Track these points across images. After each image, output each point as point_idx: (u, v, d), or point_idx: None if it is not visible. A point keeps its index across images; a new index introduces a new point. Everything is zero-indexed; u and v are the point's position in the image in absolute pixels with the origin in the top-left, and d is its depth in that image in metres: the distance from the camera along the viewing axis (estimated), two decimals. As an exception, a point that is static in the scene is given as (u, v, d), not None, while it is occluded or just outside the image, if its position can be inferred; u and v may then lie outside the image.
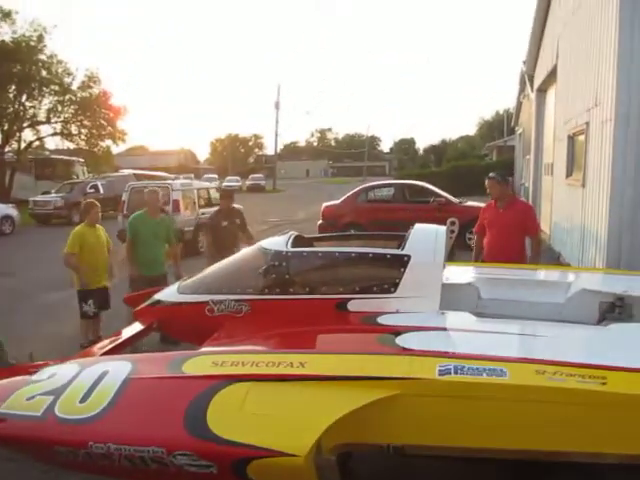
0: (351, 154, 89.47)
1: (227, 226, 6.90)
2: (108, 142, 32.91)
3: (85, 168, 30.07)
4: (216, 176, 54.31)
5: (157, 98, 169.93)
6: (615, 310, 3.87)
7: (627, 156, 6.11)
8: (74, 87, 30.78)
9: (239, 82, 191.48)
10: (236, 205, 8.08)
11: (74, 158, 30.27)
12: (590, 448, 2.56)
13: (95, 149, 31.77)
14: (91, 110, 30.73)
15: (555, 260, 9.71)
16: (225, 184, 44.45)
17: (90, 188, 21.03)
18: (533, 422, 2.56)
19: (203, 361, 2.96)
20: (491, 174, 5.65)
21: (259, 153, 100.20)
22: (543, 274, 4.98)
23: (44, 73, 29.23)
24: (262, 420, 2.53)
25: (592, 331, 3.45)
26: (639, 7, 5.99)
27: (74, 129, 31.43)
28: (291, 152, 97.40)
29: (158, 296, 4.29)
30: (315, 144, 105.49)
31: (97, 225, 6.07)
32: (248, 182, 48.47)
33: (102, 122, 31.65)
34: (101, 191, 20.75)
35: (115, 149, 36.48)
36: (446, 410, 2.62)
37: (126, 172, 24.33)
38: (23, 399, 2.82)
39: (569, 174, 9.41)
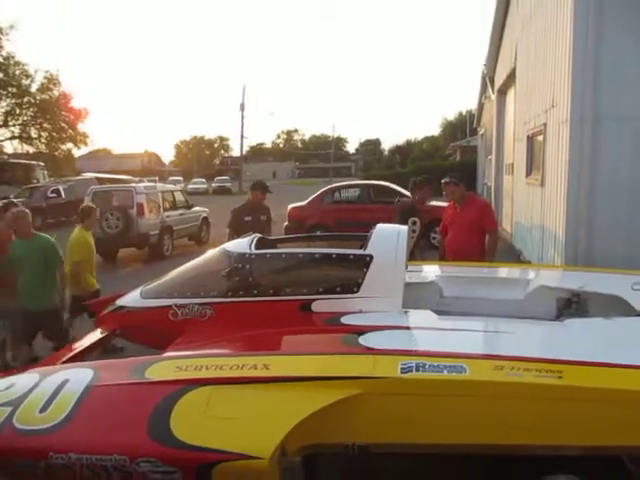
0: (317, 155, 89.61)
1: (250, 222, 6.39)
2: (69, 145, 32.34)
3: (46, 172, 29.30)
4: (181, 178, 53.77)
5: (120, 100, 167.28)
6: (572, 306, 4.00)
7: (583, 156, 6.29)
8: (33, 89, 30.13)
9: (203, 83, 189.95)
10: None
11: (34, 162, 29.49)
12: (550, 441, 2.62)
13: (56, 152, 31.11)
14: (51, 113, 30.11)
15: (516, 258, 9.92)
16: (190, 186, 44.01)
17: (51, 192, 20.45)
18: (493, 417, 2.62)
19: (166, 366, 2.94)
20: (446, 179, 5.69)
21: (225, 155, 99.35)
22: (503, 272, 5.09)
23: (0, 75, 28.47)
24: (226, 424, 2.53)
25: (549, 326, 3.55)
26: (593, 10, 6.18)
27: (33, 132, 30.82)
28: (257, 154, 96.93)
29: (120, 302, 4.22)
30: (281, 145, 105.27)
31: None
32: (214, 184, 48.01)
33: (63, 125, 31.05)
34: (63, 195, 20.27)
35: (77, 152, 35.91)
36: (409, 407, 2.65)
37: (88, 176, 23.79)
38: None
39: (529, 173, 9.63)
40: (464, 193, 5.65)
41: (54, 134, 30.85)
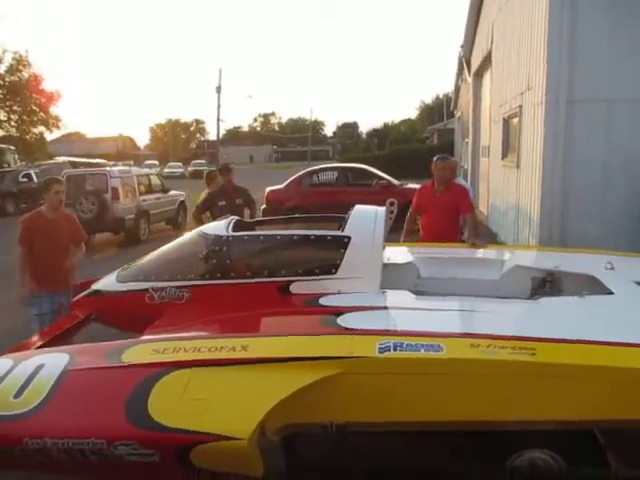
0: (295, 138, 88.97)
1: (225, 206, 6.30)
2: (41, 128, 31.65)
3: (16, 156, 28.62)
4: (157, 162, 53.04)
5: (93, 82, 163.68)
6: (546, 285, 4.07)
7: (557, 138, 6.36)
8: (1, 71, 29.34)
9: (179, 65, 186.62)
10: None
11: (4, 145, 28.74)
12: (525, 416, 2.67)
13: (27, 136, 30.40)
14: (21, 95, 29.37)
15: (492, 240, 10.01)
16: (167, 170, 43.47)
17: (23, 177, 19.96)
18: (470, 394, 2.66)
19: (143, 349, 2.92)
20: (442, 155, 5.56)
21: (201, 139, 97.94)
22: (479, 252, 5.13)
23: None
24: (204, 405, 2.52)
25: (524, 305, 3.61)
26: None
27: (3, 115, 30.04)
28: (234, 137, 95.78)
29: (96, 286, 4.17)
30: (258, 129, 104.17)
31: None
32: (191, 168, 47.43)
33: (34, 108, 30.34)
34: (35, 180, 19.78)
35: (49, 136, 35.15)
36: (386, 386, 2.68)
37: (61, 160, 23.27)
38: None
39: (504, 156, 9.71)
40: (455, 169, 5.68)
41: (24, 117, 30.15)
